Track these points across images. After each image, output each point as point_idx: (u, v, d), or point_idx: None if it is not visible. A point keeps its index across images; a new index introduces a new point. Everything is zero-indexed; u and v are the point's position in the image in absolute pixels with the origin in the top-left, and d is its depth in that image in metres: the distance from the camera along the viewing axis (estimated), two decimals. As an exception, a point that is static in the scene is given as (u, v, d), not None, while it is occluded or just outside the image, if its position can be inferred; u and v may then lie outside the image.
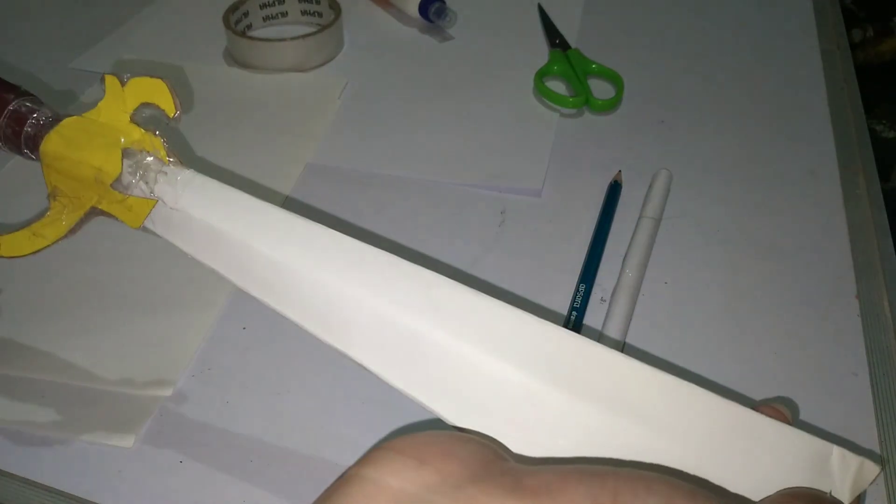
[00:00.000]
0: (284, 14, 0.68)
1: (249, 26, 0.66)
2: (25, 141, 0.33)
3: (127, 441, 0.36)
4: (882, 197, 0.51)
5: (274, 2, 0.67)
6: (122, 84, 0.32)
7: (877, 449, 0.37)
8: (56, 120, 0.33)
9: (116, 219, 0.32)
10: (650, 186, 0.50)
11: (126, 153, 0.32)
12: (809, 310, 0.43)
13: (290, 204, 0.50)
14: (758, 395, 0.39)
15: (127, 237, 0.47)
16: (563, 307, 0.43)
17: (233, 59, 0.63)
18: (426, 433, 0.22)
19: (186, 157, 0.51)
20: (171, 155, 0.32)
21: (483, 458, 0.21)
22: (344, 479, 0.20)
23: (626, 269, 0.44)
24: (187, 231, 0.30)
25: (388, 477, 0.20)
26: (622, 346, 0.41)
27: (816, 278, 0.45)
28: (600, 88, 0.60)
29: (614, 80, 0.60)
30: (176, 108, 0.32)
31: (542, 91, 0.59)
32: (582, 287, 0.43)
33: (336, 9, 0.65)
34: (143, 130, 0.32)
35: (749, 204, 0.50)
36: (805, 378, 0.40)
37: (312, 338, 0.42)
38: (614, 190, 0.50)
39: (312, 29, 0.64)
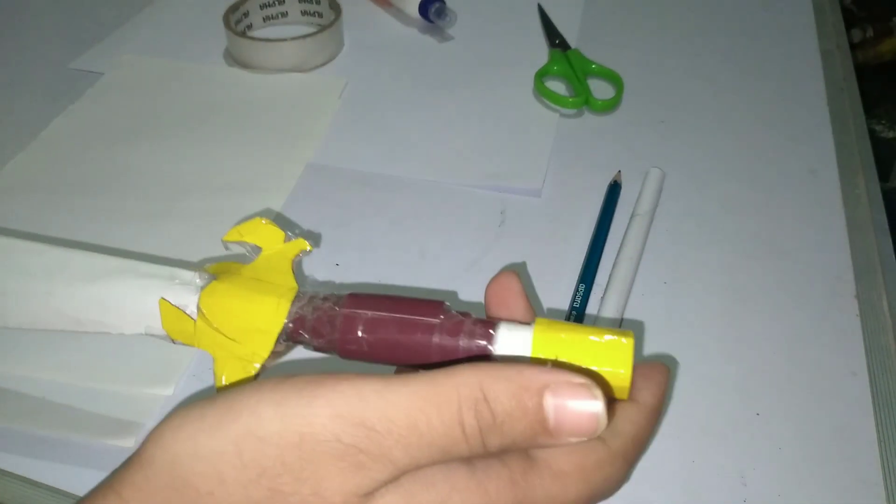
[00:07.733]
0: (285, 14, 0.68)
1: (250, 26, 0.66)
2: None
3: (127, 440, 0.36)
4: (881, 197, 0.52)
5: (274, 2, 0.67)
6: None
7: (876, 450, 0.37)
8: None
9: None
10: (642, 185, 0.50)
11: None
12: (808, 309, 0.43)
13: (291, 204, 0.50)
14: (757, 395, 0.39)
15: (127, 235, 0.47)
16: (562, 306, 0.43)
17: (233, 59, 0.64)
18: None
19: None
20: None
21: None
22: None
23: (617, 265, 0.44)
24: None
25: None
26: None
27: (815, 278, 0.45)
28: (600, 89, 0.60)
29: (614, 80, 0.60)
30: None
31: (542, 91, 0.59)
32: (581, 287, 0.43)
33: (336, 9, 0.65)
34: None
35: (749, 204, 0.50)
36: (804, 378, 0.40)
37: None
38: (614, 190, 0.50)
39: (313, 29, 0.64)
